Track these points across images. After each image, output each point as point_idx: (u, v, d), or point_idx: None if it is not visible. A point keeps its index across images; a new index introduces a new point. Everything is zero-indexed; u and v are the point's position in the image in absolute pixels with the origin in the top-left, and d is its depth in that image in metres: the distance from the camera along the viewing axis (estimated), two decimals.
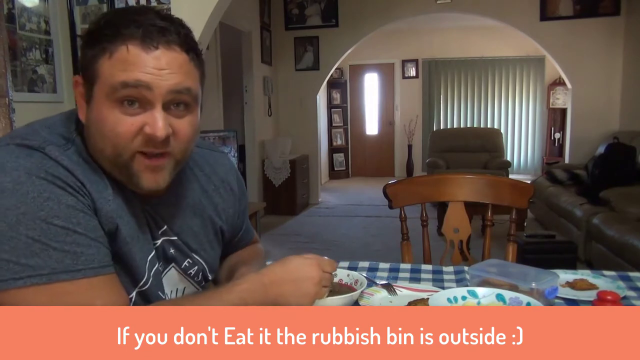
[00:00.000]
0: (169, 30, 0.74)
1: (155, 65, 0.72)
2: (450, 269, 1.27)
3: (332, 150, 8.64)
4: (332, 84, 8.41)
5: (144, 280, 0.83)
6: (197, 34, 2.83)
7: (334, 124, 8.59)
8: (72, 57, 2.92)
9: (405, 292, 1.10)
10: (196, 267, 0.94)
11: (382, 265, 1.31)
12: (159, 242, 0.87)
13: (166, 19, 0.76)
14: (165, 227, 0.88)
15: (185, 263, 0.93)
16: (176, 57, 0.74)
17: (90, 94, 0.74)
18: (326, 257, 0.88)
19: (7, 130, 2.00)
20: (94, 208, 0.74)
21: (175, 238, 0.90)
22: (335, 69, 6.96)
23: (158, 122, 0.73)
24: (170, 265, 0.91)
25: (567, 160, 5.83)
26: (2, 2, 2.13)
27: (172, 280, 0.92)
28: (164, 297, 0.88)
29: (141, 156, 0.75)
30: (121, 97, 0.72)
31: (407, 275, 1.23)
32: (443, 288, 1.10)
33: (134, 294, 0.82)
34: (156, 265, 0.86)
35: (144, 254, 0.83)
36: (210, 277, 0.99)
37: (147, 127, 0.73)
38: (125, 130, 0.73)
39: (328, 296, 0.98)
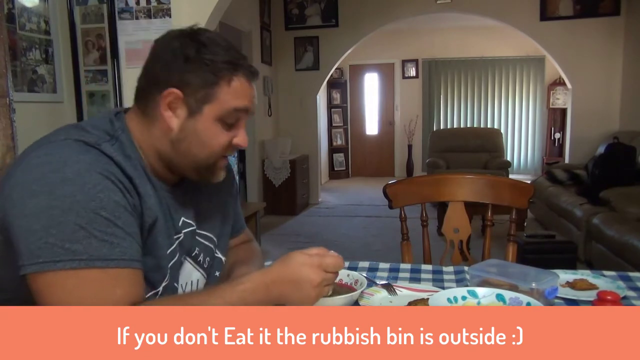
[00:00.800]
0: (253, 67, 0.91)
1: (254, 96, 0.90)
2: (450, 269, 1.27)
3: (332, 150, 8.64)
4: (332, 84, 8.41)
5: (166, 273, 0.87)
6: None
7: (334, 124, 8.59)
8: (72, 57, 2.92)
9: (405, 292, 1.10)
10: (202, 254, 0.99)
11: (382, 265, 1.31)
12: (181, 234, 0.93)
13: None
14: (184, 217, 0.94)
15: (196, 251, 0.97)
16: (255, 90, 0.92)
17: (199, 110, 0.86)
18: (333, 252, 0.87)
19: (7, 130, 2.00)
20: (140, 203, 0.82)
21: (193, 227, 0.96)
22: (335, 69, 6.96)
23: (245, 136, 0.91)
24: (184, 256, 0.95)
25: (567, 160, 5.83)
26: (2, 2, 2.13)
27: (185, 271, 0.95)
28: (178, 288, 0.92)
29: (222, 159, 0.91)
30: (227, 117, 0.87)
31: (407, 275, 1.24)
32: (443, 288, 1.10)
33: (160, 288, 0.86)
34: (175, 258, 0.90)
35: (166, 247, 0.88)
36: (222, 257, 1.04)
37: (236, 139, 0.90)
38: (223, 142, 0.88)
39: (328, 296, 0.98)
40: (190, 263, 0.97)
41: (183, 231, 0.93)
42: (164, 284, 0.87)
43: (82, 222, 0.73)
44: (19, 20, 2.52)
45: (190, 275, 0.97)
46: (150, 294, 0.85)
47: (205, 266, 0.99)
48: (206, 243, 1.00)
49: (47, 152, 0.78)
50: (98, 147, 0.79)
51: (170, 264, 0.88)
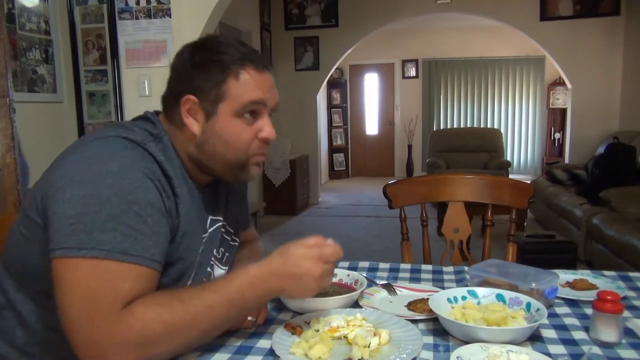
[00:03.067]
0: (264, 57, 0.92)
1: (268, 85, 0.91)
2: (450, 269, 1.27)
3: (332, 150, 8.64)
4: (332, 84, 8.40)
5: (193, 272, 0.90)
6: (197, 34, 2.84)
7: (334, 124, 8.58)
8: (72, 57, 2.92)
9: (405, 292, 1.10)
10: (222, 248, 1.01)
11: (382, 265, 1.31)
12: (207, 233, 0.95)
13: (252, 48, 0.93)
14: (212, 215, 0.97)
15: (221, 250, 1.00)
16: (272, 79, 0.93)
17: (214, 111, 0.88)
18: (330, 241, 0.86)
19: (7, 130, 1.99)
20: (175, 205, 0.84)
21: (222, 222, 1.00)
22: (335, 69, 6.95)
23: (271, 128, 0.92)
24: (211, 255, 0.97)
25: (567, 160, 5.83)
26: (2, 2, 2.13)
27: (212, 273, 0.98)
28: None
29: (253, 157, 0.92)
30: (245, 111, 0.88)
31: (407, 275, 1.23)
32: (443, 288, 1.10)
33: (188, 284, 0.89)
34: (204, 257, 0.93)
35: (196, 247, 0.91)
36: (237, 245, 1.07)
37: (261, 132, 0.91)
38: (246, 137, 0.90)
39: (328, 296, 0.98)
40: (216, 264, 0.99)
41: (209, 230, 0.95)
42: (189, 282, 0.89)
43: (115, 211, 0.75)
44: (19, 20, 2.52)
45: (212, 271, 0.99)
46: None
47: (219, 256, 1.01)
48: (231, 242, 1.03)
49: (97, 146, 0.81)
50: (144, 146, 0.83)
51: (197, 262, 0.91)
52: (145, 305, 0.74)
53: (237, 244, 1.07)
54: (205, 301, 0.77)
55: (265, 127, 0.91)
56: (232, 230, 1.04)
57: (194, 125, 0.89)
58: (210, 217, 0.96)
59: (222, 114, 0.88)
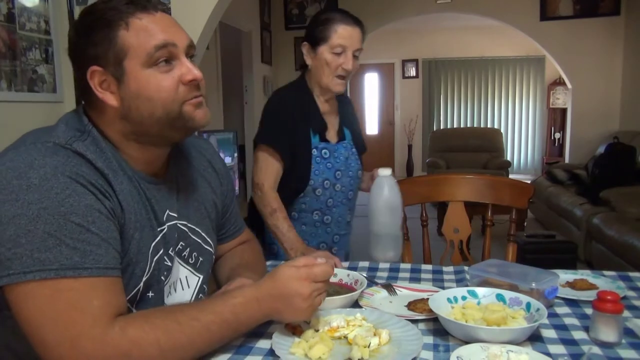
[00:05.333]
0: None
1: (166, 25, 0.83)
2: (450, 269, 1.27)
3: None
4: None
5: (147, 267, 0.84)
6: (197, 34, 2.84)
7: None
8: None
9: (405, 292, 1.10)
10: (189, 249, 0.95)
11: (382, 265, 1.31)
12: (164, 226, 0.88)
13: None
14: (169, 209, 0.90)
15: (180, 245, 0.93)
16: (171, 18, 0.86)
17: (121, 71, 0.80)
18: (320, 260, 0.85)
19: None
20: (118, 202, 0.78)
21: (177, 220, 0.92)
22: None
23: (192, 68, 0.83)
24: (170, 250, 0.90)
25: (567, 160, 5.83)
26: None
27: (172, 269, 0.91)
28: (163, 283, 0.88)
29: (187, 102, 0.83)
30: (156, 59, 0.80)
31: (407, 275, 1.24)
32: (443, 288, 1.10)
33: (141, 284, 0.83)
34: (160, 252, 0.86)
35: (149, 240, 0.84)
36: (212, 250, 0.99)
37: (184, 76, 0.82)
38: (168, 85, 0.81)
39: (328, 296, 0.99)
40: (177, 260, 0.92)
41: (167, 224, 0.89)
42: (145, 279, 0.83)
43: (51, 229, 0.70)
44: (19, 20, 2.52)
45: (178, 272, 0.93)
46: (133, 291, 0.82)
47: (192, 261, 0.95)
48: (193, 237, 0.95)
49: (12, 157, 0.74)
50: (69, 147, 0.76)
51: (155, 258, 0.85)
52: (142, 329, 0.72)
53: (212, 249, 1.00)
54: (202, 323, 0.76)
55: (184, 69, 0.82)
56: (196, 228, 0.96)
57: (110, 97, 0.81)
58: (167, 212, 0.89)
59: (131, 71, 0.80)
